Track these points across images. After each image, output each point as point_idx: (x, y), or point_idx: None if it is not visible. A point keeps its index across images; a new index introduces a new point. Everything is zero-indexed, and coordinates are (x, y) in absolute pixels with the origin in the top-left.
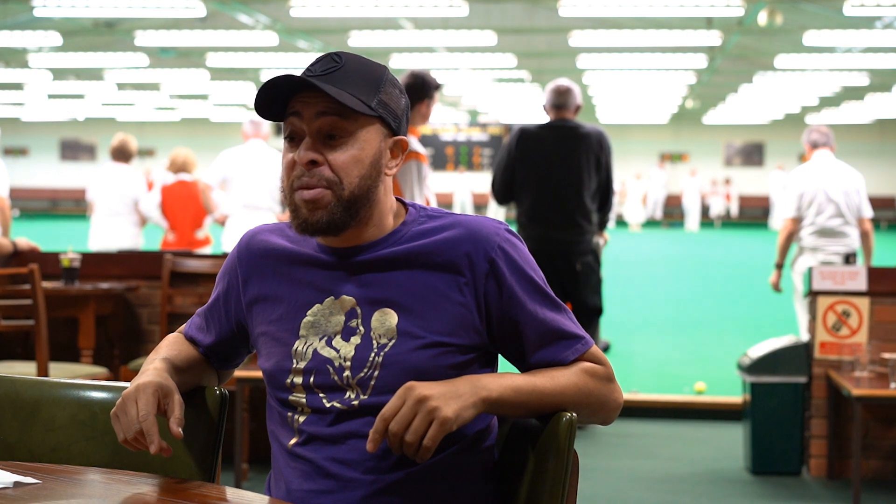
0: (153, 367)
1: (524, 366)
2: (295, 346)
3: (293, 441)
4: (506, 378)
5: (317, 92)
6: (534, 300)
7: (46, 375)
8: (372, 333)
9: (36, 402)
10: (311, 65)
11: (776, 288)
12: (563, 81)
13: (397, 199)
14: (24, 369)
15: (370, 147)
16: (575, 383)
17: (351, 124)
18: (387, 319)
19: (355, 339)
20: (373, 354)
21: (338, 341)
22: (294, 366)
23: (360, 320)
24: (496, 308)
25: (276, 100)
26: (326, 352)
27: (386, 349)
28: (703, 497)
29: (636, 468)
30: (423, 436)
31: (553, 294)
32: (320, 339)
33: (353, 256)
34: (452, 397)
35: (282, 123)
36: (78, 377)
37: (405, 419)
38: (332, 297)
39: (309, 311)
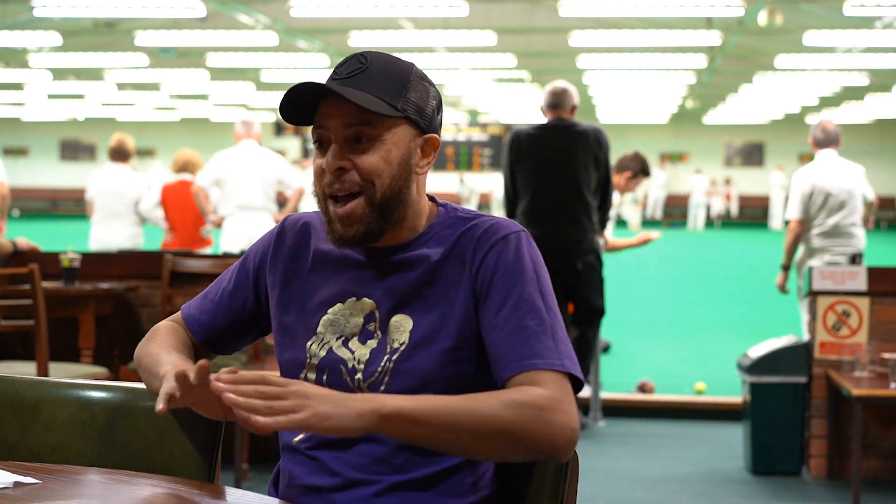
0: (170, 364)
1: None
2: (311, 341)
3: (300, 437)
4: (416, 397)
5: (341, 98)
6: (511, 301)
7: (46, 375)
8: (388, 338)
9: (36, 402)
10: (338, 66)
11: (782, 289)
12: (559, 83)
13: (430, 199)
14: (24, 369)
15: (398, 148)
16: (498, 406)
17: (377, 128)
18: (402, 325)
19: (372, 343)
20: (385, 359)
21: (354, 343)
22: (308, 361)
23: (377, 324)
24: (478, 303)
25: (301, 105)
26: (341, 352)
27: (397, 355)
28: (703, 497)
29: (636, 468)
30: (276, 415)
31: (549, 304)
32: (337, 339)
33: (380, 258)
34: (336, 403)
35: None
36: (78, 377)
37: (276, 396)
38: (354, 299)
39: (330, 310)
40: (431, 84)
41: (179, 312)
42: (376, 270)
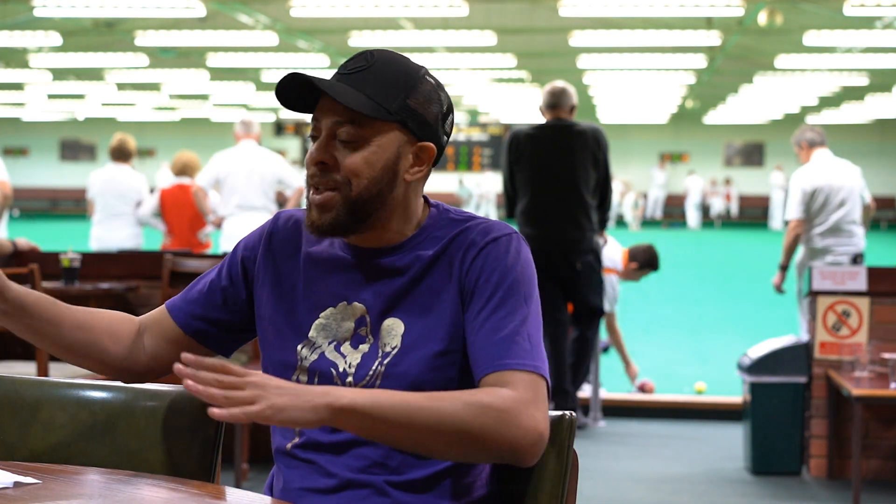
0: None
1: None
2: (302, 345)
3: (294, 441)
4: (374, 391)
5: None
6: (493, 301)
7: (46, 375)
8: (380, 342)
9: (36, 402)
10: (347, 60)
11: (778, 289)
12: (558, 83)
13: (425, 201)
14: (24, 369)
15: (384, 152)
16: (460, 406)
17: (365, 129)
18: (394, 329)
19: (363, 347)
20: (376, 364)
21: (346, 347)
22: (299, 364)
23: (368, 329)
24: (464, 304)
25: (302, 95)
26: (333, 356)
27: (388, 359)
28: (703, 497)
29: (636, 468)
30: (232, 406)
31: (532, 308)
32: (329, 343)
33: (369, 260)
34: (292, 395)
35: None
36: (78, 377)
37: (233, 386)
38: (345, 303)
39: (322, 314)
40: (441, 92)
41: (161, 307)
42: (367, 273)
